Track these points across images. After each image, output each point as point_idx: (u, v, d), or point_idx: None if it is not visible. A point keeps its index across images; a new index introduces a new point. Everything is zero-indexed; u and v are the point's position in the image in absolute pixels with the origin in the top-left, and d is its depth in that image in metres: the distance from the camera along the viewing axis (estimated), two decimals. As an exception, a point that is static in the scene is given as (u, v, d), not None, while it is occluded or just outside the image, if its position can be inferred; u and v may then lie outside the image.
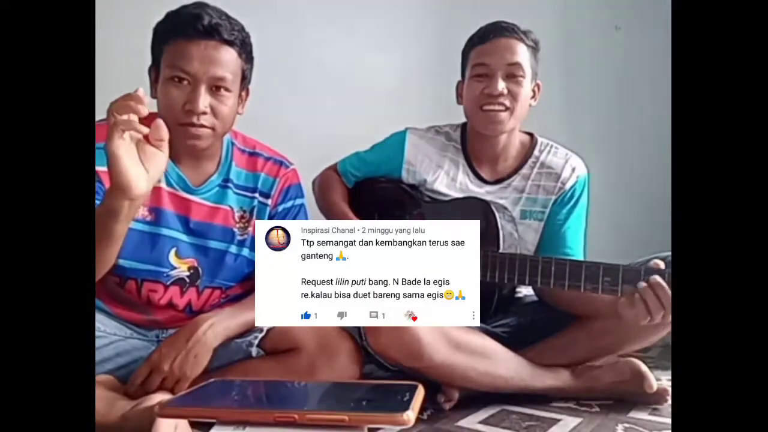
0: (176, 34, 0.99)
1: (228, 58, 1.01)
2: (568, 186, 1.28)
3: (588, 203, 1.32)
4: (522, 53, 1.22)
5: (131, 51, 1.36)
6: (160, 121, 0.83)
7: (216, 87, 1.01)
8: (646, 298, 0.93)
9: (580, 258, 1.29)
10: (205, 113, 1.00)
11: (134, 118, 0.77)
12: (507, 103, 1.22)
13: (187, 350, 0.96)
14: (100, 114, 0.96)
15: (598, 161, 1.52)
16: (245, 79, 1.08)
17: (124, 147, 0.78)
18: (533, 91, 1.28)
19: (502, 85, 1.21)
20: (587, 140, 1.57)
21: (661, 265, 0.94)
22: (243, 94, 1.10)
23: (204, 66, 0.98)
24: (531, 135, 1.35)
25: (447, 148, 1.34)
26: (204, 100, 0.99)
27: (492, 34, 1.24)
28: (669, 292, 0.92)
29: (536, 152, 1.31)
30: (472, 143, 1.32)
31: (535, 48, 1.26)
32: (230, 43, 1.01)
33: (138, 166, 0.80)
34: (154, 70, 1.04)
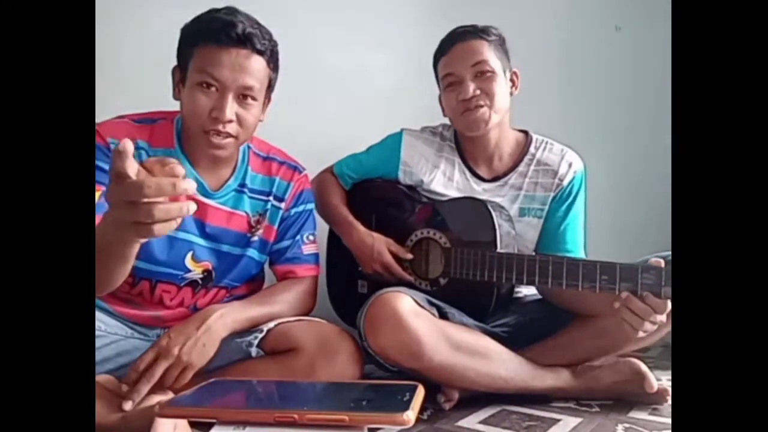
0: (207, 39, 0.98)
1: (258, 67, 1.00)
2: (566, 182, 1.28)
3: (585, 198, 1.32)
4: (484, 51, 1.23)
5: (131, 51, 1.37)
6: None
7: (243, 95, 1.00)
8: (624, 317, 0.95)
9: (581, 254, 1.29)
10: (231, 121, 0.99)
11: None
12: (482, 102, 1.23)
13: (197, 338, 0.95)
14: (100, 115, 0.96)
15: (599, 161, 1.52)
16: (270, 87, 1.08)
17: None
18: (511, 80, 1.29)
19: (472, 88, 1.22)
20: (587, 140, 1.57)
21: (661, 263, 0.93)
22: (266, 101, 1.09)
23: (234, 74, 0.97)
24: (526, 132, 1.35)
25: (443, 147, 1.34)
26: (231, 109, 0.98)
27: (450, 43, 1.26)
28: (641, 303, 0.92)
29: (532, 149, 1.32)
30: (465, 144, 1.33)
31: (498, 41, 1.26)
32: (261, 53, 1.00)
33: None
34: (179, 71, 1.03)
